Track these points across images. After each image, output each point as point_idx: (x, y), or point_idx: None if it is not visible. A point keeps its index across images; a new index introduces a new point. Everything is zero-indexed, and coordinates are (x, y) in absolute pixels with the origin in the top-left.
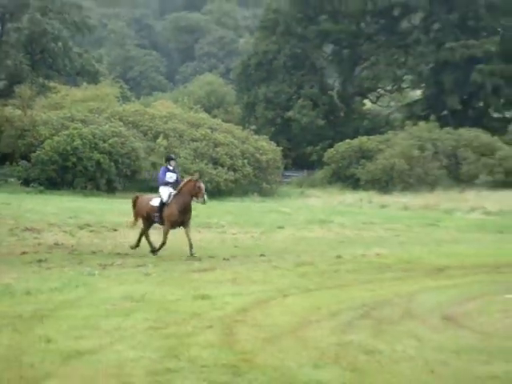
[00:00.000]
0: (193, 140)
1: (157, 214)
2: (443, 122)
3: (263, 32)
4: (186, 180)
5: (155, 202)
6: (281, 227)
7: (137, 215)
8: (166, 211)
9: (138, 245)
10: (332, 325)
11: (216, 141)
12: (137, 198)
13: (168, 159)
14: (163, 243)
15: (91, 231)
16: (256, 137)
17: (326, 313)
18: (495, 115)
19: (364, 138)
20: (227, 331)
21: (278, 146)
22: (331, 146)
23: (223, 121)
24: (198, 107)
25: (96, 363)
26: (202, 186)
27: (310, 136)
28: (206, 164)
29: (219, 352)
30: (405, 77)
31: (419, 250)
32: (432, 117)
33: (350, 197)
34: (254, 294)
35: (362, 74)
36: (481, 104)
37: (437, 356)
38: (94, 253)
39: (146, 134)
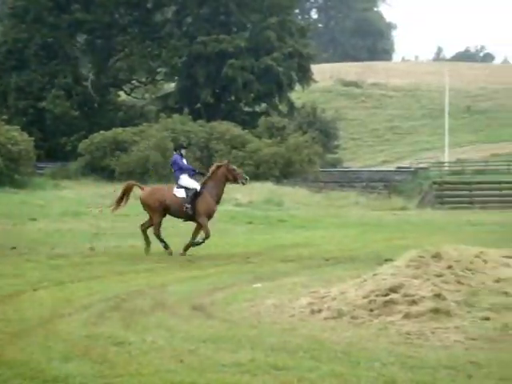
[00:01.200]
0: None
1: (189, 206)
2: (196, 115)
3: (12, 19)
4: (214, 167)
5: (180, 192)
6: (33, 219)
7: (152, 208)
8: (203, 202)
9: (149, 243)
10: (83, 317)
11: None
12: (132, 185)
13: (180, 147)
14: (207, 236)
15: None
16: (7, 127)
17: (78, 305)
18: (246, 109)
19: (119, 130)
20: None
21: (30, 136)
22: (86, 137)
23: None
24: None
25: None
26: (234, 167)
27: (64, 127)
28: None
29: None
30: (159, 69)
31: (173, 241)
32: (185, 109)
33: (105, 188)
34: (3, 288)
35: (116, 65)
36: (232, 98)
37: (185, 345)
38: None
39: None
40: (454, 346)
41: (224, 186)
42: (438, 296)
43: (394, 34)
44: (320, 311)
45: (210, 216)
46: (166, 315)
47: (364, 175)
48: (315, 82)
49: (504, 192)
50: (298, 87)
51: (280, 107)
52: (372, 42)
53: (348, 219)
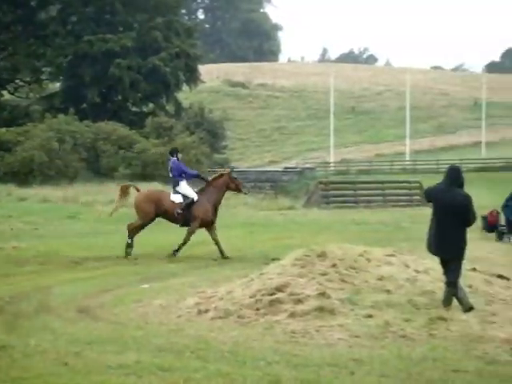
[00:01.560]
0: None
1: (180, 212)
2: (82, 115)
3: None
4: (215, 175)
5: (177, 198)
6: None
7: (145, 211)
8: (200, 209)
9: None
10: None
11: None
12: (128, 187)
13: (175, 151)
14: (185, 242)
15: None
16: None
17: None
18: (133, 109)
19: (2, 130)
20: None
21: None
22: None
23: None
24: None
25: None
26: (236, 176)
27: None
28: None
29: None
30: (44, 68)
31: (58, 242)
32: (71, 109)
33: None
34: None
35: None
36: (119, 98)
37: (70, 348)
38: None
39: None
40: (337, 343)
41: (223, 194)
42: (322, 294)
43: (280, 35)
44: (207, 311)
45: (205, 221)
46: (50, 318)
47: (251, 175)
48: (202, 82)
49: (387, 191)
50: (185, 87)
51: (167, 107)
52: (258, 42)
53: (236, 219)
